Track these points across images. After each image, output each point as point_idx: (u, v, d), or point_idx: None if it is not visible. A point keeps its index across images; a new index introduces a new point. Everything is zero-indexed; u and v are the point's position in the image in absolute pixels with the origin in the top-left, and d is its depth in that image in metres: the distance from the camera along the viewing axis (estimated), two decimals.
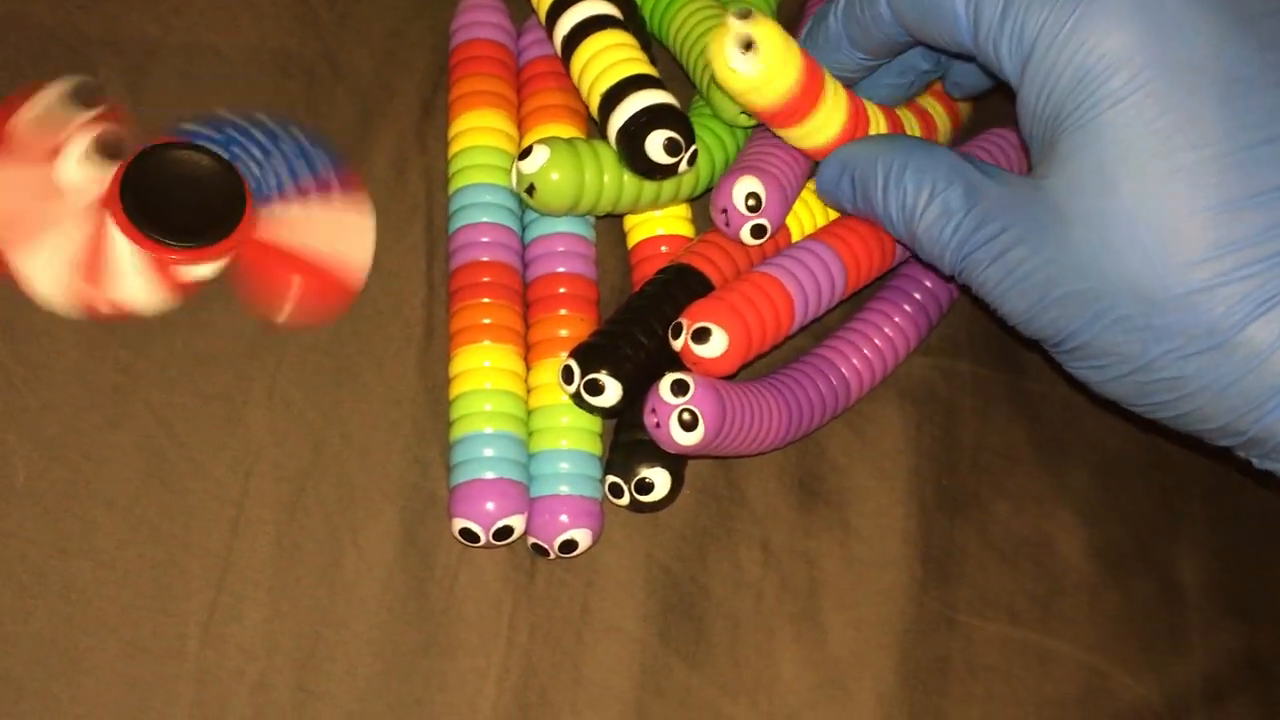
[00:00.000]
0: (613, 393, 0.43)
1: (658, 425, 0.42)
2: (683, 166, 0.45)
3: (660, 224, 0.50)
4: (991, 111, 0.57)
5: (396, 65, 0.51)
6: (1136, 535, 0.54)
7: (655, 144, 0.44)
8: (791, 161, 0.48)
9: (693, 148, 0.45)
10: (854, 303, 0.52)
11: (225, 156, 0.44)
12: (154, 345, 0.43)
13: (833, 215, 0.50)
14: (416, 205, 0.49)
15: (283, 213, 0.45)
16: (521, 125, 0.50)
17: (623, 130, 0.44)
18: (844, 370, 0.50)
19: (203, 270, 0.44)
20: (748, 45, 0.42)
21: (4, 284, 0.41)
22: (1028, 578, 0.52)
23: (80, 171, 0.43)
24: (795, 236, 0.50)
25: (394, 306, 0.47)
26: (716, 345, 0.43)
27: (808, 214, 0.51)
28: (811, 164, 0.50)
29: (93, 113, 0.44)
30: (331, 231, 0.46)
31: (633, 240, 0.51)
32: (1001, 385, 0.55)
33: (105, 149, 0.43)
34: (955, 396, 0.54)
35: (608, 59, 0.46)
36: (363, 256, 0.46)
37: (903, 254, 0.51)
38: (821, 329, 0.52)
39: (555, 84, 0.50)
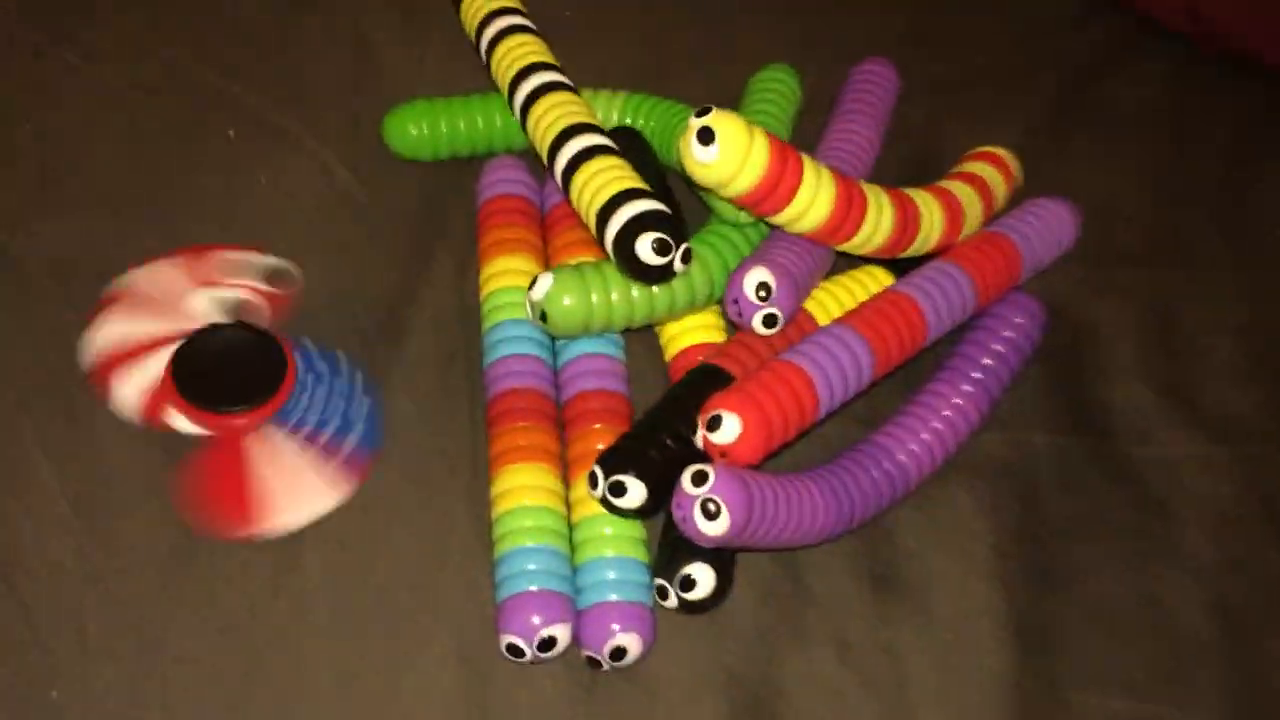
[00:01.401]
0: (636, 493, 0.44)
1: (684, 519, 0.42)
2: (678, 266, 0.46)
3: (694, 335, 0.51)
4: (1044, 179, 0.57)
5: (433, 230, 0.55)
6: (1265, 591, 0.49)
7: (644, 247, 0.46)
8: (802, 252, 0.49)
9: (683, 246, 0.46)
10: (911, 385, 0.52)
11: (285, 361, 0.48)
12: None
13: (862, 299, 0.51)
14: (456, 350, 0.52)
15: (282, 441, 0.48)
16: (549, 264, 0.53)
17: (615, 240, 0.46)
18: (900, 456, 0.49)
19: (186, 427, 0.47)
20: (707, 138, 0.44)
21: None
22: (1143, 647, 0.48)
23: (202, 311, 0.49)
24: (822, 324, 0.50)
25: (438, 444, 0.49)
26: (730, 431, 0.43)
27: (834, 302, 0.51)
28: (828, 252, 0.51)
29: (266, 288, 0.51)
30: (296, 486, 0.47)
31: (669, 353, 0.52)
32: (1084, 452, 0.53)
33: (236, 311, 0.50)
34: (1032, 468, 0.52)
35: (599, 181, 0.48)
36: (294, 521, 0.46)
37: (939, 334, 0.50)
38: (877, 414, 0.51)
39: (577, 222, 0.53)
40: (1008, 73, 0.67)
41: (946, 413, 0.51)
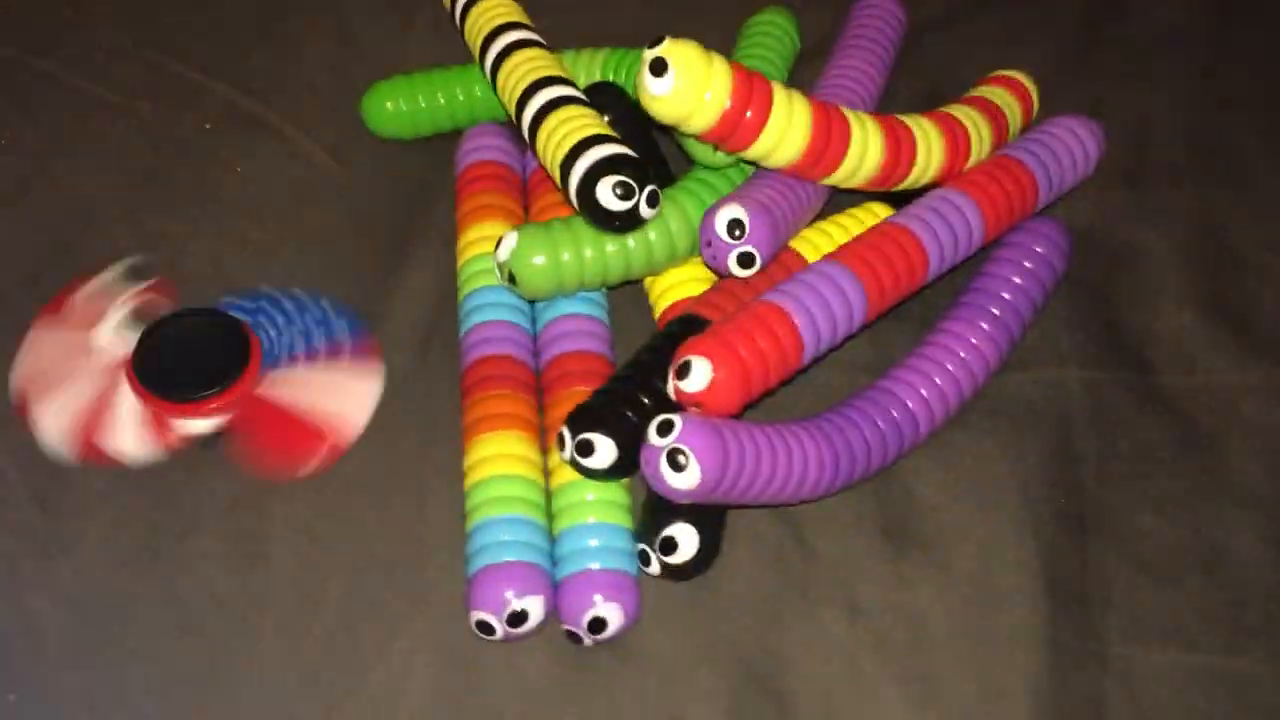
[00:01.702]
0: (606, 452, 0.41)
1: (652, 473, 0.39)
2: (644, 210, 0.43)
3: (683, 289, 0.48)
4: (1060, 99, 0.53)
5: (415, 210, 0.53)
6: None
7: (606, 191, 0.43)
8: (783, 188, 0.46)
9: (649, 189, 0.43)
10: (925, 326, 0.48)
11: (247, 323, 0.47)
12: (181, 496, 0.44)
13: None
14: (435, 327, 0.49)
15: (289, 374, 0.47)
16: None
17: (578, 189, 0.44)
18: (909, 402, 0.45)
19: (201, 425, 0.45)
20: (660, 69, 0.41)
21: (29, 446, 0.45)
22: (1197, 592, 0.43)
23: (114, 336, 0.46)
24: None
25: (415, 423, 0.47)
26: (700, 377, 0.40)
27: (827, 242, 0.48)
28: (817, 189, 0.47)
29: (140, 287, 0.48)
30: (332, 393, 0.47)
31: (658, 310, 0.48)
32: (1121, 386, 0.48)
33: (144, 318, 0.47)
34: (1063, 407, 0.47)
35: (562, 131, 0.45)
36: (359, 416, 0.47)
37: (942, 268, 0.46)
38: (887, 362, 0.47)
39: (555, 185, 0.50)
40: None
41: (962, 354, 0.47)
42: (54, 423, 0.45)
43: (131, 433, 0.44)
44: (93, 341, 0.46)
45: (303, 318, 0.48)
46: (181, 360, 0.45)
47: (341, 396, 0.47)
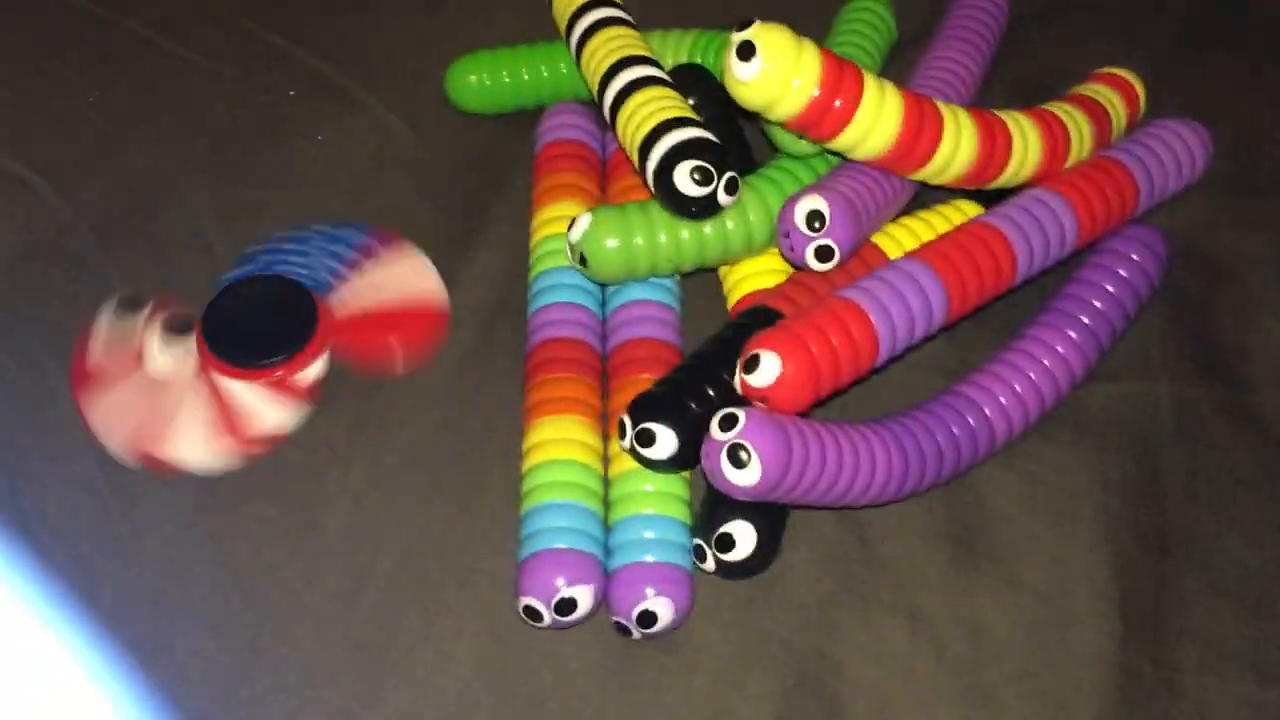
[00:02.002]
0: (667, 442, 0.40)
1: (712, 468, 0.38)
2: (722, 197, 0.42)
3: (759, 280, 0.46)
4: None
5: (491, 185, 0.53)
6: None
7: (683, 175, 0.42)
8: (868, 180, 0.44)
9: (728, 174, 0.42)
10: (1010, 330, 0.46)
11: (279, 274, 0.47)
12: (240, 465, 0.44)
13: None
14: (504, 304, 0.49)
15: (347, 291, 0.47)
16: None
17: (655, 172, 0.42)
18: (986, 409, 0.43)
19: (312, 371, 0.46)
20: (748, 53, 0.40)
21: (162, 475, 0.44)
22: (1278, 624, 0.41)
23: (168, 357, 0.46)
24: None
25: (477, 400, 0.46)
26: (768, 372, 0.38)
27: (911, 238, 0.46)
28: (904, 183, 0.46)
29: (146, 311, 0.47)
30: (397, 282, 0.48)
31: (732, 300, 0.47)
32: (1214, 404, 0.46)
33: (176, 328, 0.47)
34: (1151, 423, 0.45)
35: (644, 113, 0.44)
36: (434, 286, 0.48)
37: (1031, 272, 0.44)
38: (967, 365, 0.46)
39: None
40: None
41: (1046, 361, 0.45)
42: (197, 450, 0.44)
43: (269, 409, 0.45)
44: (154, 373, 0.46)
45: (312, 247, 0.49)
46: (253, 331, 0.46)
47: (407, 279, 0.48)
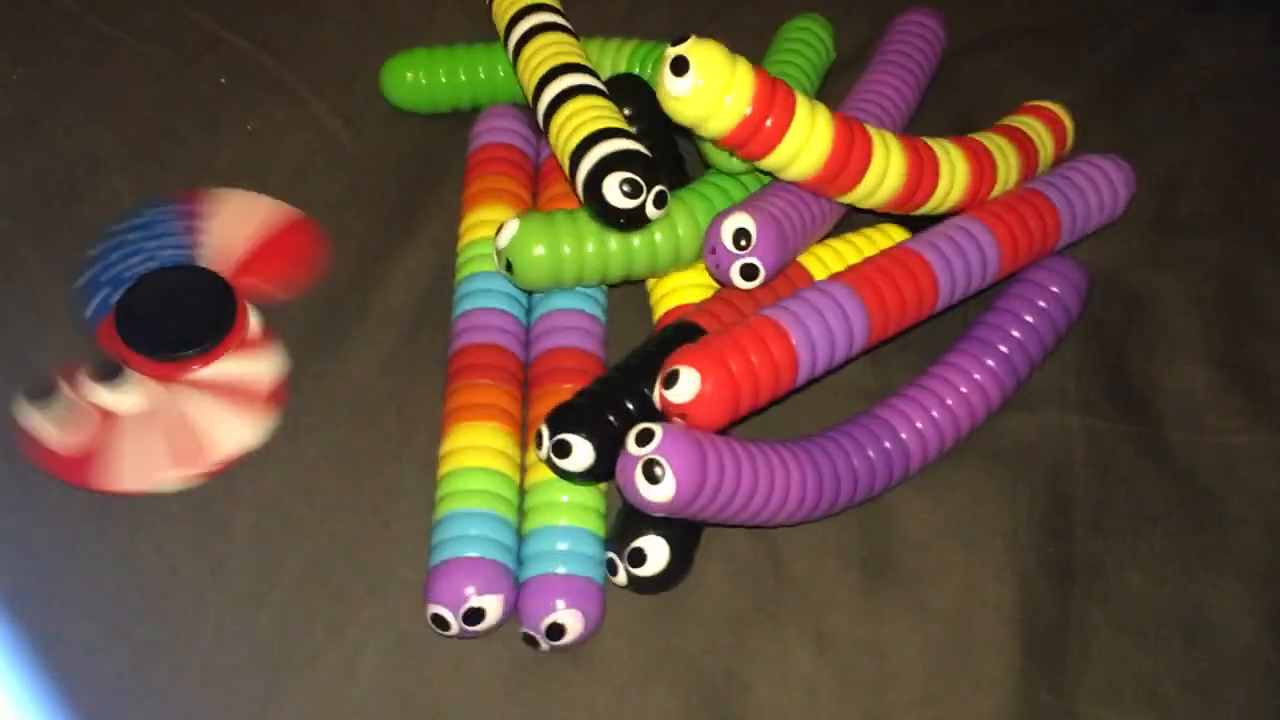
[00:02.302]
0: (583, 454, 0.39)
1: (626, 482, 0.38)
2: (650, 210, 0.42)
3: (685, 294, 0.47)
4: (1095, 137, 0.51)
5: (422, 186, 0.52)
6: None
7: (612, 187, 0.42)
8: (796, 201, 0.44)
9: (657, 188, 0.42)
10: (931, 356, 0.46)
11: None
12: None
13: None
14: (429, 307, 0.48)
15: (211, 252, 0.48)
16: None
17: (585, 181, 0.42)
18: (902, 433, 0.44)
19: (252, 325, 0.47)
20: (682, 68, 0.40)
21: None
22: (1178, 660, 0.42)
23: (127, 395, 0.45)
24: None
25: (397, 404, 0.46)
26: (687, 388, 0.38)
27: (837, 260, 0.46)
28: (832, 205, 0.46)
29: (65, 385, 0.45)
30: (243, 221, 0.49)
31: (658, 314, 0.47)
32: (1127, 438, 0.46)
33: (105, 373, 0.45)
34: (1063, 454, 0.46)
35: (576, 121, 0.44)
36: (277, 206, 0.50)
37: (952, 299, 0.45)
38: (890, 389, 0.46)
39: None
40: (1076, 27, 0.61)
41: (963, 389, 0.45)
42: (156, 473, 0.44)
43: (230, 423, 0.45)
44: (130, 410, 0.45)
45: (139, 238, 0.49)
46: (172, 324, 0.46)
47: (250, 212, 0.50)
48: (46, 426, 0.44)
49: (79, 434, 0.44)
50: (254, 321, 0.47)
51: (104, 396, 0.45)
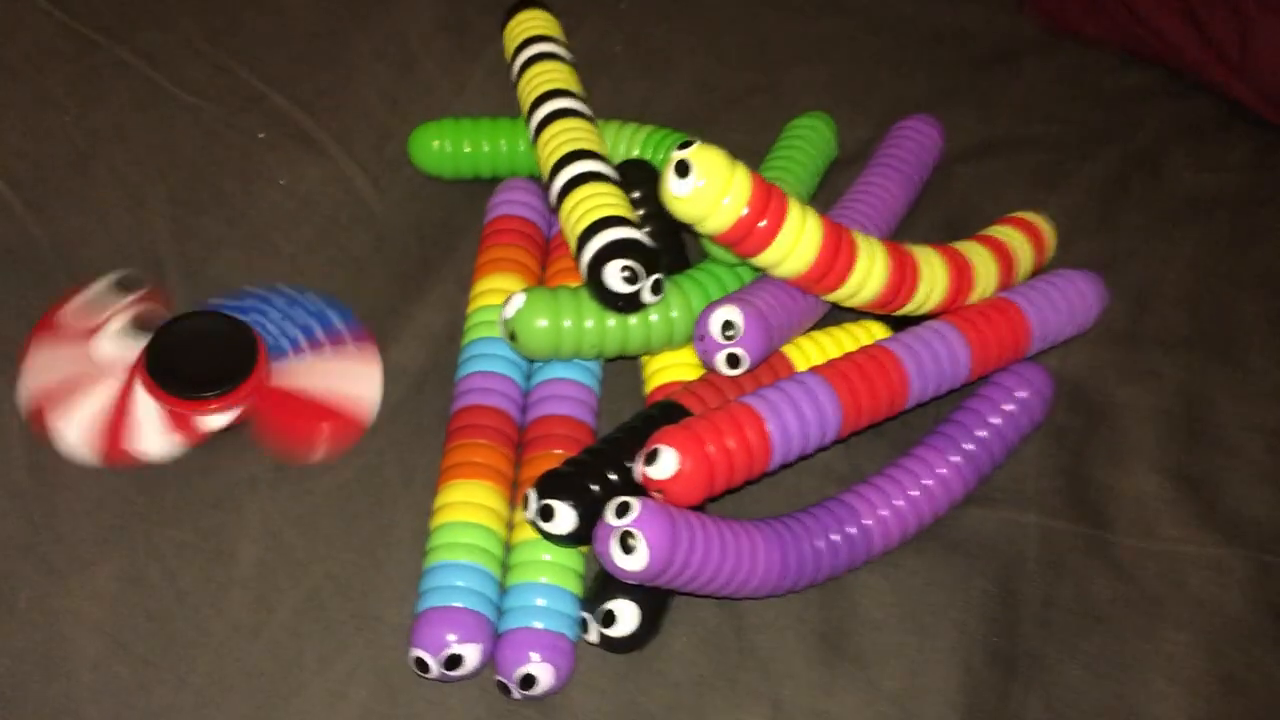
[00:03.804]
0: (566, 519, 0.43)
1: (602, 551, 0.41)
2: (647, 296, 0.46)
3: (675, 372, 0.50)
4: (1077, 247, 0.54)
5: (440, 248, 0.56)
6: (1254, 711, 0.45)
7: (613, 273, 0.45)
8: (784, 296, 0.48)
9: (654, 277, 0.45)
10: (900, 448, 0.49)
11: (243, 321, 0.50)
12: (165, 489, 0.47)
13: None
14: (436, 365, 0.52)
15: (297, 364, 0.50)
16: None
17: (588, 265, 0.46)
18: (866, 519, 0.47)
19: (219, 419, 0.48)
20: (684, 170, 0.43)
21: (42, 440, 0.47)
22: None
23: (116, 345, 0.49)
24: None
25: (398, 455, 0.49)
26: (666, 466, 0.42)
27: (819, 352, 0.50)
28: (818, 302, 0.49)
29: (133, 296, 0.50)
30: (342, 377, 0.50)
31: (649, 388, 0.50)
32: (1079, 539, 0.49)
33: (142, 325, 0.50)
34: (1017, 550, 0.49)
35: (586, 206, 0.48)
36: (372, 396, 0.50)
37: (923, 398, 0.48)
38: (860, 475, 0.49)
39: None
40: (1070, 140, 0.64)
41: (927, 481, 0.48)
42: (75, 432, 0.47)
43: (154, 433, 0.47)
44: (94, 351, 0.49)
45: (296, 311, 0.52)
46: (192, 360, 0.48)
47: (352, 379, 0.51)
48: (85, 299, 0.49)
49: (76, 324, 0.48)
50: (222, 419, 0.49)
51: (114, 325, 0.49)
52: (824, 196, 0.58)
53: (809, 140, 0.58)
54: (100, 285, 0.50)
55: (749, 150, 0.54)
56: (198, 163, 0.58)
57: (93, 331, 0.49)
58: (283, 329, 0.50)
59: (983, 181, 0.62)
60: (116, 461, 0.47)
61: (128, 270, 0.52)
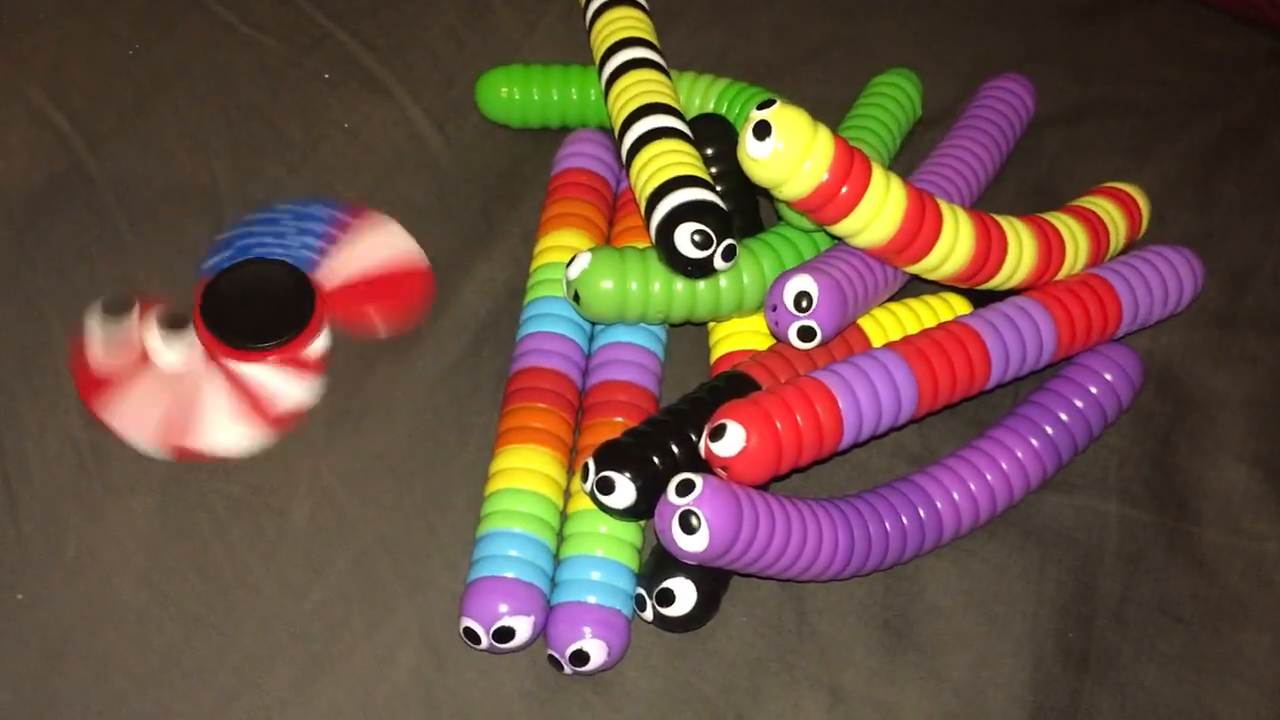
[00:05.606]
0: (625, 493, 0.41)
1: (663, 529, 0.39)
2: (719, 262, 0.44)
3: (743, 339, 0.48)
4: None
5: (505, 200, 0.54)
6: None
7: (684, 237, 0.43)
8: (861, 267, 0.45)
9: (726, 242, 0.43)
10: (977, 429, 0.47)
11: (281, 260, 0.49)
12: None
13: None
14: (497, 322, 0.50)
15: (330, 265, 0.50)
16: (613, 244, 0.50)
17: (658, 228, 0.44)
18: (938, 503, 0.45)
19: (316, 346, 0.48)
20: (763, 132, 0.41)
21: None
22: None
23: (174, 351, 0.48)
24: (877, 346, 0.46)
25: (455, 415, 0.48)
26: (733, 442, 0.40)
27: (897, 326, 0.47)
28: (897, 273, 0.47)
29: (136, 311, 0.49)
30: (377, 250, 0.51)
31: (714, 356, 0.49)
32: (1161, 532, 0.47)
33: (173, 322, 0.48)
34: (1095, 541, 0.47)
35: (657, 164, 0.46)
36: (413, 249, 0.51)
37: (1004, 379, 0.45)
38: (934, 455, 0.47)
39: None
40: (1166, 105, 0.61)
41: (1004, 465, 0.46)
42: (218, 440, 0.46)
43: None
44: (165, 366, 0.47)
45: (287, 224, 0.51)
46: (253, 314, 0.48)
47: (384, 245, 0.51)
48: (97, 338, 0.47)
49: (113, 359, 0.47)
50: (319, 343, 0.48)
51: (154, 341, 0.47)
52: (906, 159, 0.55)
53: (893, 99, 0.55)
54: (96, 320, 0.48)
55: (828, 105, 0.52)
56: (260, 103, 0.56)
57: (142, 357, 0.47)
58: (291, 245, 0.50)
59: (1074, 147, 0.58)
60: (277, 430, 0.47)
61: (104, 295, 0.49)
